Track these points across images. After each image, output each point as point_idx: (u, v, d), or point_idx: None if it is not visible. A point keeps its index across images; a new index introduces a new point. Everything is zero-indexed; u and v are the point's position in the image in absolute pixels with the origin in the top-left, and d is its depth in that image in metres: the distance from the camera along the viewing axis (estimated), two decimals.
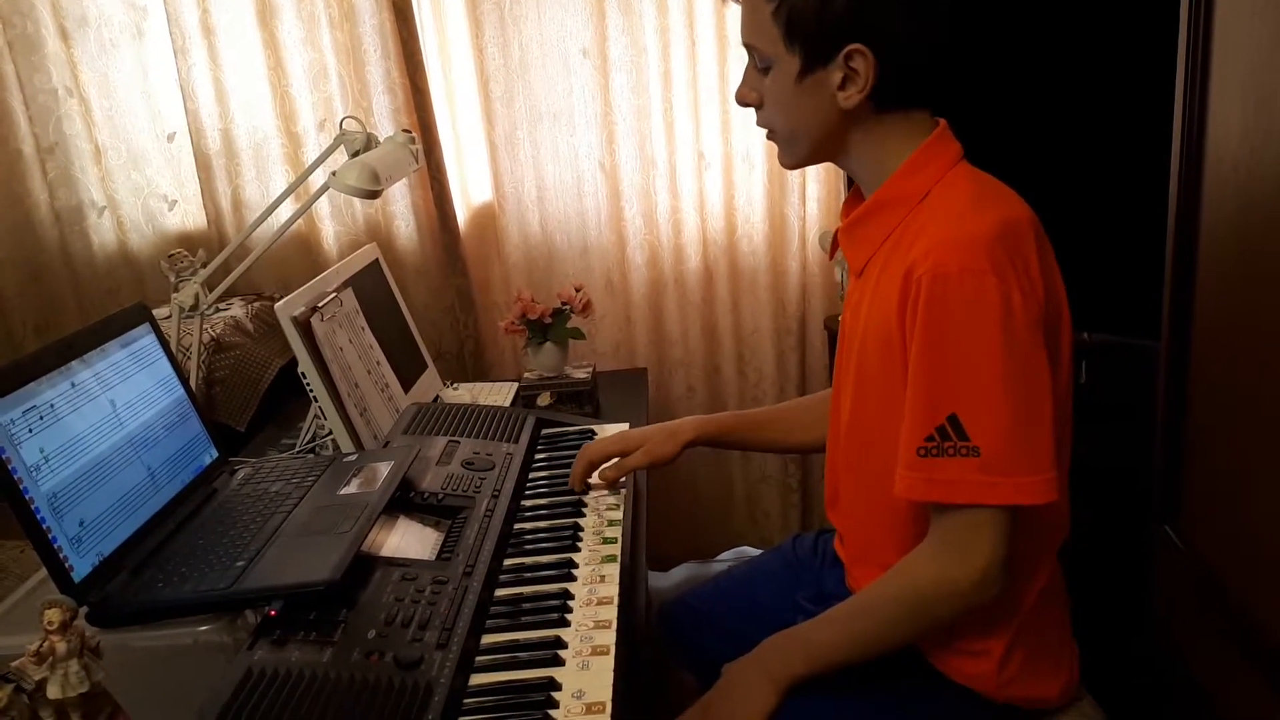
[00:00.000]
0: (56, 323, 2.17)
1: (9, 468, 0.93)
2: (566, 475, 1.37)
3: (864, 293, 1.04)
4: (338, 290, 1.60)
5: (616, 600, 1.02)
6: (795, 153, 1.07)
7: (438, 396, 1.83)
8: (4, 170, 2.06)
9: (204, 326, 1.85)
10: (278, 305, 1.43)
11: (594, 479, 1.33)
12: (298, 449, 1.68)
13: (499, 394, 1.90)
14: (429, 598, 0.99)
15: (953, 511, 0.94)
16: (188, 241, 2.13)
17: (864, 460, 1.08)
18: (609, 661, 0.92)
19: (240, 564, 1.01)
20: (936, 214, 0.96)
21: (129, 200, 2.13)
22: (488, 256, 2.21)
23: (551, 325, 1.81)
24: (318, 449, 1.67)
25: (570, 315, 1.84)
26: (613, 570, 1.09)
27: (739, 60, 2.05)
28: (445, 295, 2.19)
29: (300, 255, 2.16)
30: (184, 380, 1.28)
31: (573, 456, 1.43)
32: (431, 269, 2.17)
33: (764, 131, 1.06)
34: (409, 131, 1.71)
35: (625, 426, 1.55)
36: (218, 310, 2.02)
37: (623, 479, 1.32)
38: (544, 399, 1.77)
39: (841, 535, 1.18)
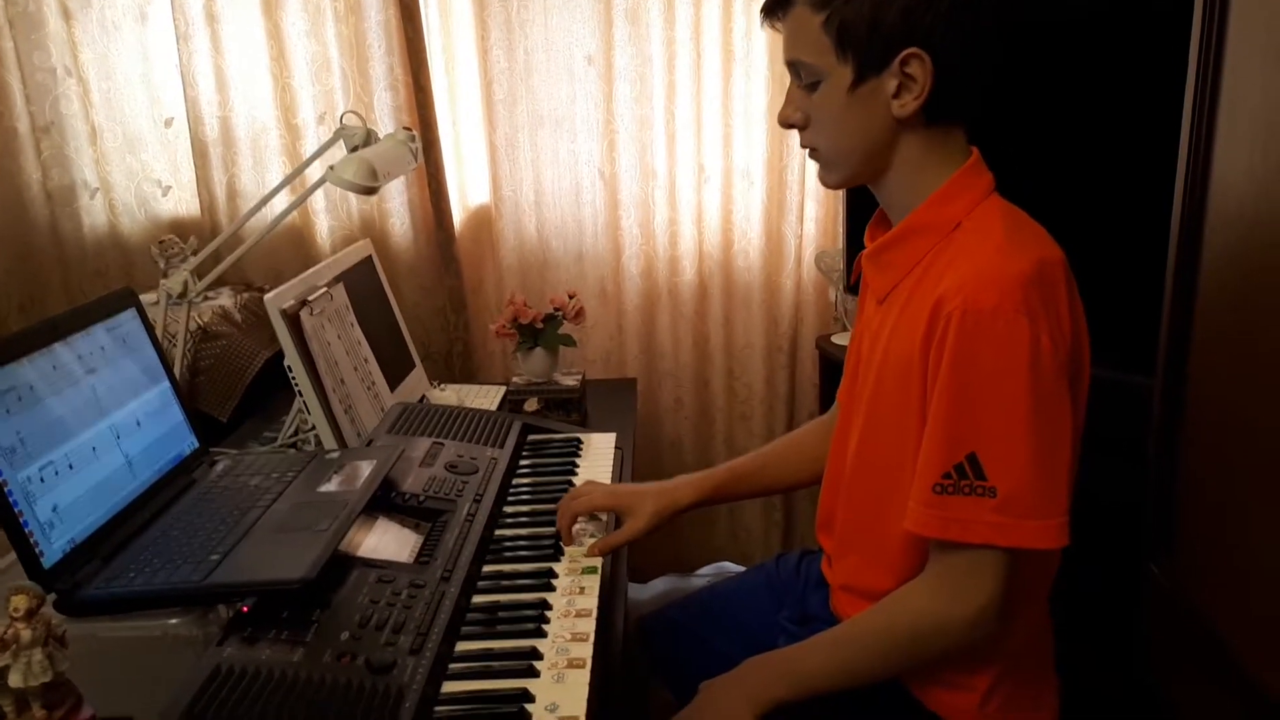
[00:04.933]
0: (42, 302, 2.15)
1: None
2: (550, 483, 1.35)
3: (886, 320, 1.03)
4: (329, 285, 1.58)
5: (595, 613, 1.01)
6: (841, 170, 1.04)
7: (424, 396, 1.82)
8: None
9: (191, 315, 1.83)
10: (267, 297, 1.41)
11: (577, 531, 1.22)
12: (280, 443, 1.66)
13: (486, 397, 1.88)
14: (405, 601, 0.97)
15: (957, 549, 0.93)
16: (180, 228, 2.11)
17: (868, 488, 1.06)
18: (584, 675, 0.90)
19: (215, 557, 0.99)
20: (969, 247, 0.95)
21: (122, 183, 2.12)
22: (482, 258, 2.20)
23: (543, 331, 1.79)
24: (300, 444, 1.65)
25: (562, 321, 1.83)
26: (593, 582, 1.07)
27: (743, 76, 2.05)
28: (437, 295, 2.18)
29: (292, 248, 2.14)
30: (168, 368, 1.26)
31: (558, 464, 1.42)
32: (424, 268, 2.16)
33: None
34: (409, 129, 1.70)
35: (612, 437, 1.54)
36: (206, 299, 2.00)
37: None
38: (531, 405, 1.75)
39: (831, 559, 1.17)
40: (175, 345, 1.69)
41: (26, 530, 0.93)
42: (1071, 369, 0.93)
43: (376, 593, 0.98)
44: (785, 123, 1.05)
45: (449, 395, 1.85)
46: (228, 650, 0.87)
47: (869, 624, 1.00)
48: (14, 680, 0.79)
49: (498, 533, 1.21)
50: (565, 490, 1.32)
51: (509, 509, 1.28)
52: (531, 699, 0.87)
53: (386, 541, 1.12)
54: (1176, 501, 1.10)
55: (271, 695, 0.82)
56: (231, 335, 1.95)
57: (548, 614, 1.01)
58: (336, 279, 1.62)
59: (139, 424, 1.16)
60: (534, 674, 0.91)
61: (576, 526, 1.21)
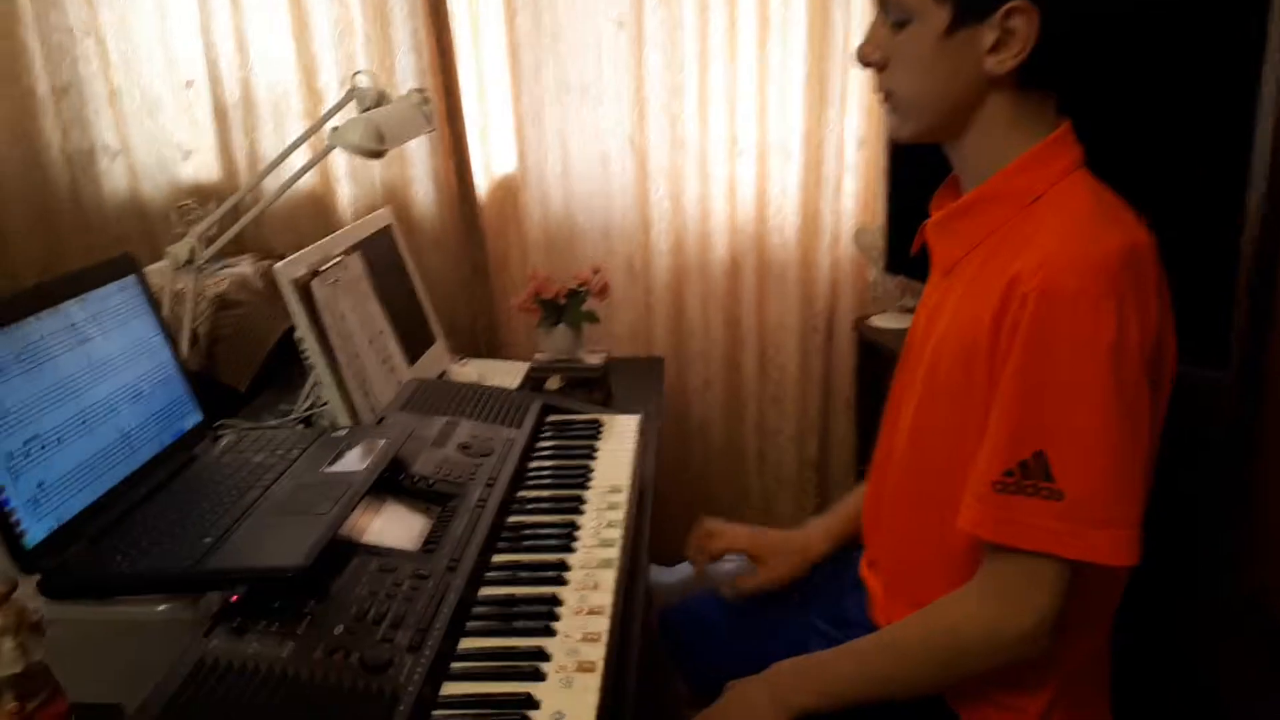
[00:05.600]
0: (62, 268, 2.11)
1: None
2: (569, 467, 1.28)
3: (948, 294, 0.94)
4: (344, 254, 1.53)
5: (610, 611, 0.94)
6: (918, 122, 0.94)
7: (444, 373, 1.76)
8: (16, 109, 2.00)
9: (210, 283, 1.78)
10: (277, 266, 1.36)
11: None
12: (295, 416, 1.61)
13: (509, 374, 1.82)
14: (406, 593, 0.91)
15: (1013, 555, 0.84)
16: (201, 193, 2.06)
17: (920, 481, 0.98)
18: (595, 680, 0.83)
19: (208, 540, 0.93)
20: (1051, 222, 0.86)
21: (142, 146, 2.07)
22: (507, 230, 2.13)
23: (566, 306, 1.72)
24: (315, 419, 1.60)
25: (586, 297, 1.75)
26: (608, 577, 1.00)
27: (780, 44, 1.95)
28: (461, 267, 2.11)
29: (314, 216, 2.09)
30: (170, 337, 1.21)
31: (577, 447, 1.34)
32: (448, 239, 2.09)
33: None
34: (423, 91, 1.62)
35: (636, 419, 1.46)
36: (226, 266, 1.97)
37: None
38: (553, 383, 1.68)
39: (874, 559, 1.09)
40: (184, 313, 1.64)
41: (8, 508, 0.88)
42: (1155, 365, 0.84)
43: (377, 582, 0.92)
44: (863, 60, 0.95)
45: (470, 371, 1.79)
46: (214, 642, 0.81)
47: (907, 632, 0.92)
48: None
49: (512, 519, 1.14)
50: (583, 475, 1.25)
51: (525, 493, 1.21)
52: (536, 705, 0.81)
53: (392, 527, 1.06)
54: (1252, 504, 1.01)
55: (256, 694, 0.76)
56: (251, 304, 1.91)
57: (558, 610, 0.94)
58: (353, 248, 1.56)
59: (137, 396, 1.10)
60: (540, 677, 0.84)
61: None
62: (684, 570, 1.91)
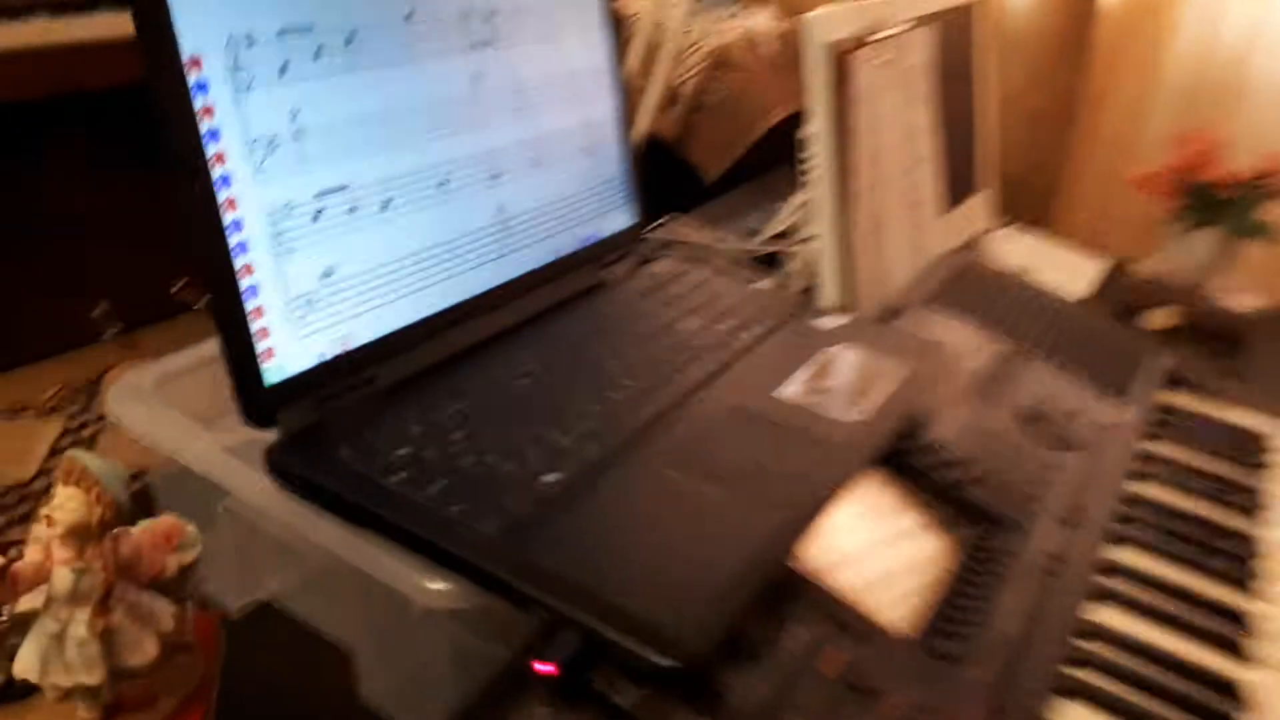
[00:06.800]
0: None
1: (204, 126, 0.45)
2: (1210, 523, 0.67)
3: None
4: (910, 27, 0.97)
5: None
6: None
7: (975, 240, 1.18)
8: None
9: (713, 30, 1.37)
10: (810, 15, 0.84)
11: None
12: (757, 243, 1.15)
13: (1072, 271, 1.19)
14: None
15: None
16: None
17: None
18: None
19: (549, 482, 0.48)
20: None
21: None
22: (1128, 55, 1.43)
23: (1228, 205, 1.03)
24: (784, 258, 1.12)
25: (1263, 201, 1.04)
26: None
27: None
28: (1041, 92, 1.47)
29: None
30: (624, 89, 0.75)
31: (1225, 481, 0.71)
32: (1040, 49, 1.45)
33: None
34: None
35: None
36: (737, 16, 1.54)
37: None
38: (1163, 318, 1.03)
39: None
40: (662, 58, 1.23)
41: (248, 305, 0.48)
42: None
43: (829, 707, 0.42)
44: None
45: (1019, 250, 1.19)
46: None
47: None
48: (20, 665, 0.35)
49: (1100, 612, 0.57)
50: (1239, 550, 0.63)
51: (1126, 556, 0.63)
52: None
53: (877, 556, 0.54)
54: None
55: None
56: (752, 72, 1.52)
57: None
58: (926, 19, 1.00)
59: (538, 162, 0.66)
60: None
61: None
62: None
